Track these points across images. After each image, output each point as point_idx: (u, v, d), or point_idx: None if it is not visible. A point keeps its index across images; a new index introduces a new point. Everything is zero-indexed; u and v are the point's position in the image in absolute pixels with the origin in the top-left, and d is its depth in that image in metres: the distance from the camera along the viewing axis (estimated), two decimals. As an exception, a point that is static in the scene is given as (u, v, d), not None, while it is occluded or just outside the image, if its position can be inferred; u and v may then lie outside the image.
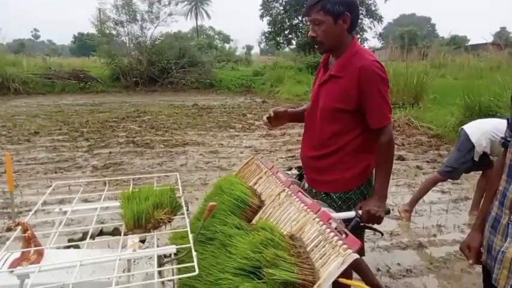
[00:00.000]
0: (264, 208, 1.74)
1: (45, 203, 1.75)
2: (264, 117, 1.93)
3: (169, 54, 17.45)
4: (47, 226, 2.60)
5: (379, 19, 24.18)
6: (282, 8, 23.77)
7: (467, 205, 3.66)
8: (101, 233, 1.83)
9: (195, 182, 4.48)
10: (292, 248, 1.30)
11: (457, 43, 24.35)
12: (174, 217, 1.68)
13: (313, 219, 1.41)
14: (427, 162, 5.36)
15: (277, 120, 1.92)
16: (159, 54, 17.37)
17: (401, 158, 5.42)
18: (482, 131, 3.14)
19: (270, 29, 24.08)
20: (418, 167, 5.13)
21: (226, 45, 42.84)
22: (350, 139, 1.65)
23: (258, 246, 1.25)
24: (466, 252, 1.40)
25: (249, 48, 61.85)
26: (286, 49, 27.55)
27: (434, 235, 3.12)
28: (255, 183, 2.02)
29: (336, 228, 1.30)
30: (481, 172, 3.47)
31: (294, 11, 22.85)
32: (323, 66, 1.73)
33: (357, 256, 1.15)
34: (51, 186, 1.89)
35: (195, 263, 1.18)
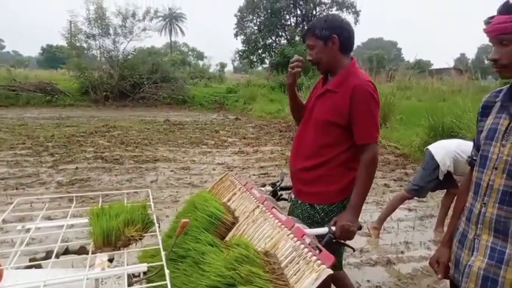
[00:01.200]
0: (237, 225, 1.73)
1: (3, 221, 1.65)
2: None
3: (142, 69, 17.28)
4: (6, 246, 2.45)
5: (349, 42, 25.19)
6: (256, 27, 24.31)
7: (433, 222, 3.78)
8: (66, 251, 1.75)
9: (165, 199, 4.39)
10: (266, 264, 1.29)
11: (421, 67, 25.64)
12: (145, 234, 1.64)
13: (287, 235, 1.41)
14: (394, 180, 5.53)
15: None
16: (131, 68, 17.17)
17: (370, 176, 5.54)
18: (445, 150, 3.29)
19: (244, 48, 24.47)
20: (385, 185, 5.28)
21: (200, 62, 42.95)
22: (338, 153, 1.71)
23: (233, 263, 1.23)
24: (435, 267, 1.44)
25: (223, 65, 62.20)
26: (259, 68, 28.04)
27: (402, 252, 3.20)
28: (228, 200, 2.01)
29: (310, 244, 1.31)
30: (445, 190, 3.62)
31: (268, 31, 23.42)
32: (322, 81, 1.83)
33: (330, 271, 1.15)
34: (11, 203, 1.79)
35: (168, 281, 1.15)
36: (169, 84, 17.65)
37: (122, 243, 1.53)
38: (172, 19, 53.61)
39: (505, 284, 1.13)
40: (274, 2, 22.51)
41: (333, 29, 1.66)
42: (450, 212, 3.68)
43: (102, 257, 1.44)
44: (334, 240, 1.57)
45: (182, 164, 6.10)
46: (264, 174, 5.58)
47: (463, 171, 3.35)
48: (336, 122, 1.67)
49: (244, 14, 24.22)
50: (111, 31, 17.02)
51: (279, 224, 1.50)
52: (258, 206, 1.71)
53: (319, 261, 1.19)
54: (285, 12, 23.82)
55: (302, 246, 1.30)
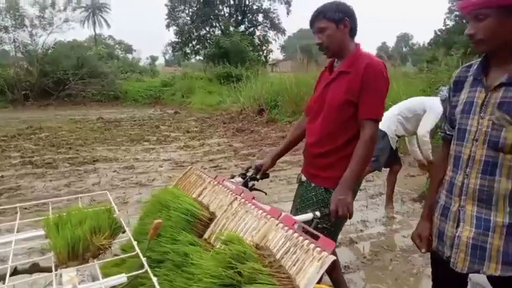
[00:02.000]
0: (216, 220, 1.63)
1: None
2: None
3: (66, 64, 15.92)
4: None
5: (283, 32, 25.67)
6: (189, 18, 23.62)
7: (383, 200, 3.98)
8: (15, 272, 1.51)
9: (113, 202, 4.05)
10: (263, 258, 1.22)
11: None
12: (114, 241, 1.47)
13: (276, 225, 1.35)
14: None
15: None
16: (53, 64, 15.71)
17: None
18: (388, 118, 3.45)
19: (177, 39, 23.69)
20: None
21: (129, 56, 40.78)
22: (353, 135, 1.70)
23: (230, 261, 1.14)
24: (417, 242, 1.45)
25: (154, 59, 59.77)
26: (193, 60, 27.49)
27: (361, 230, 3.32)
28: (199, 195, 1.89)
29: (304, 231, 1.26)
30: (389, 170, 3.82)
31: (201, 21, 22.91)
32: (328, 69, 1.85)
33: (334, 258, 1.11)
34: None
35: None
36: (99, 80, 16.54)
37: (91, 254, 1.35)
38: (95, 10, 49.98)
39: (492, 249, 1.17)
40: (206, -8, 22.14)
41: (345, 12, 1.70)
42: (396, 188, 3.92)
43: (70, 272, 1.26)
44: (319, 226, 1.54)
45: (125, 163, 5.73)
46: (215, 167, 5.45)
47: (413, 129, 3.55)
48: (352, 101, 1.67)
49: (176, 4, 23.40)
50: (27, 22, 15.39)
51: (264, 214, 1.43)
52: (236, 198, 1.63)
53: (318, 249, 1.14)
54: (218, 2, 23.49)
55: (296, 234, 1.25)
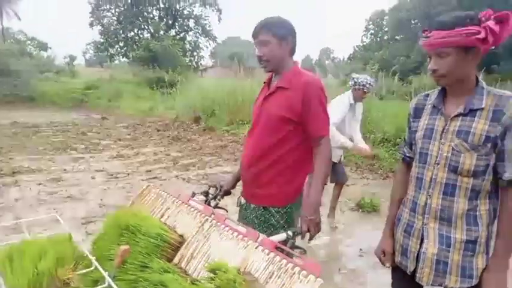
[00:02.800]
0: (185, 244, 1.57)
1: None
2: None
3: (-32, 60, 14.02)
4: None
5: (214, 39, 25.67)
6: (115, 18, 22.40)
7: (324, 210, 4.14)
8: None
9: (43, 220, 3.64)
10: (248, 284, 1.21)
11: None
12: (79, 272, 1.34)
13: (255, 248, 1.35)
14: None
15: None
16: (-50, 59, 13.72)
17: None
18: None
19: (102, 39, 22.30)
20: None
21: (44, 54, 37.21)
22: (288, 149, 1.69)
23: (222, 291, 1.11)
24: (381, 257, 1.56)
25: (72, 58, 55.40)
26: (116, 61, 26.13)
27: (308, 242, 3.41)
28: (161, 216, 1.81)
29: (286, 254, 1.28)
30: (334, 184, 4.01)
31: (129, 22, 21.88)
32: (267, 85, 1.84)
33: (322, 281, 1.15)
34: None
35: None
36: (10, 79, 14.86)
37: (56, 290, 1.22)
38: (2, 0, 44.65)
39: (453, 264, 1.32)
40: (134, -8, 21.21)
41: (289, 30, 1.72)
42: (340, 199, 4.11)
43: (34, 314, 1.13)
44: (295, 245, 1.57)
45: (52, 175, 5.21)
46: (154, 178, 5.23)
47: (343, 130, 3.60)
48: (289, 118, 1.67)
49: (100, 3, 22.04)
50: None
51: (241, 237, 1.42)
52: (207, 220, 1.59)
53: (304, 272, 1.17)
54: (147, 4, 22.66)
55: (278, 258, 1.26)
